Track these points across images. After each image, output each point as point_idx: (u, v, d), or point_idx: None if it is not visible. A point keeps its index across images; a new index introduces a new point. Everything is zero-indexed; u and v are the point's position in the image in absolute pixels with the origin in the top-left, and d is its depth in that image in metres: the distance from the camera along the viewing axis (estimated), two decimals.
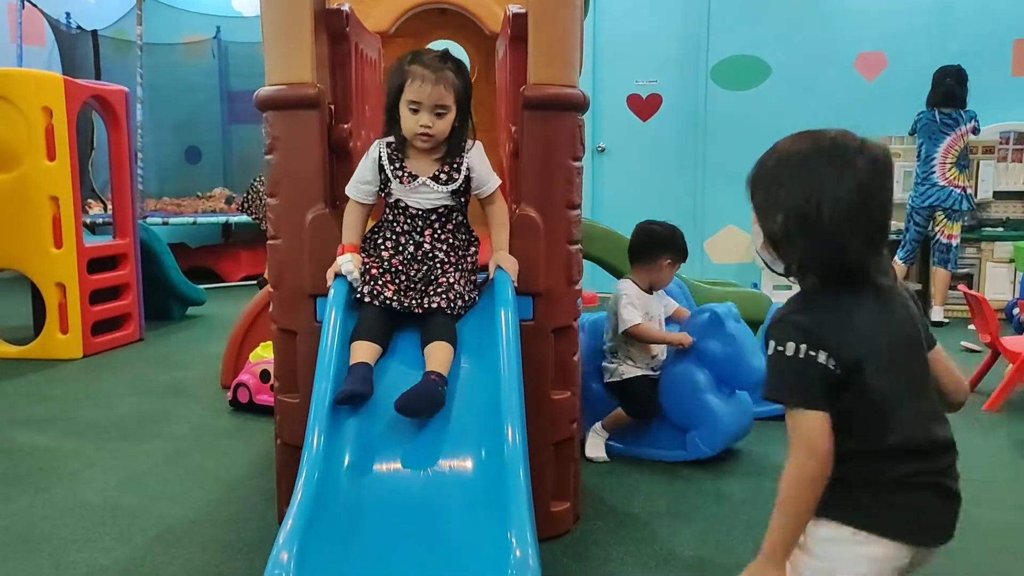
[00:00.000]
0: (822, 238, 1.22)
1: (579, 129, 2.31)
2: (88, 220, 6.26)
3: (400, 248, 2.09)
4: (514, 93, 2.33)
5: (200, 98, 8.00)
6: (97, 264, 4.72)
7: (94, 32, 7.21)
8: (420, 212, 2.08)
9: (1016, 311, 4.51)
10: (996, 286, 5.74)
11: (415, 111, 2.02)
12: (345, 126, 2.40)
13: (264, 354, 3.58)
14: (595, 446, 2.99)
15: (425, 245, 2.09)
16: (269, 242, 2.29)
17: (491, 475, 1.69)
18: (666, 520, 2.48)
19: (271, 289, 2.33)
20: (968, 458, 3.02)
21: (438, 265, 2.09)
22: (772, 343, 1.23)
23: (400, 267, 2.07)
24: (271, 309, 2.33)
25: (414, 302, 2.03)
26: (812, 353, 1.19)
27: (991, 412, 3.53)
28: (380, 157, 2.10)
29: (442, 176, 2.09)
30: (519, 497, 1.61)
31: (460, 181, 2.09)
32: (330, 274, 2.06)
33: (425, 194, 2.08)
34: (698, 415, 2.87)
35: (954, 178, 5.45)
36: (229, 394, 3.62)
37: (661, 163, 6.75)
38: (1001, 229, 5.87)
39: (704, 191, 6.60)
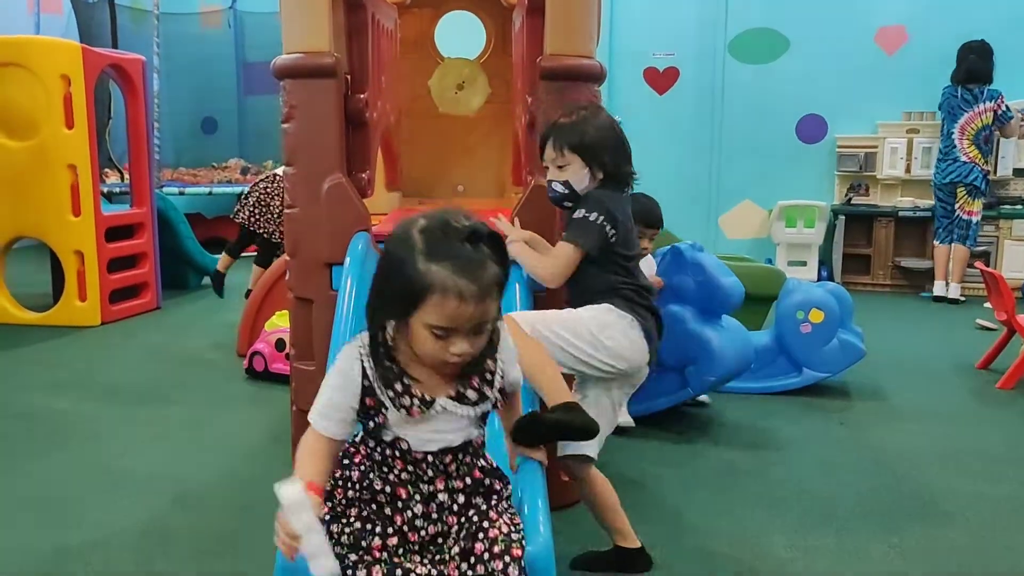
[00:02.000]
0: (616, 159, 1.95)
1: (596, 100, 2.30)
2: (105, 189, 6.29)
3: (402, 506, 1.35)
4: (530, 64, 2.32)
5: (216, 69, 8.01)
6: (115, 233, 4.76)
7: (111, 1, 7.20)
8: (428, 456, 1.33)
9: None
10: (1014, 264, 5.70)
11: (442, 336, 1.26)
12: (361, 96, 2.40)
13: (279, 323, 3.61)
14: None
15: (440, 497, 1.36)
16: (286, 211, 2.30)
17: (503, 440, 1.71)
18: (673, 487, 2.51)
19: (287, 257, 2.35)
20: (980, 435, 3.04)
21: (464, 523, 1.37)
22: (582, 211, 1.90)
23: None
24: (288, 277, 2.35)
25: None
26: (605, 223, 1.89)
27: (1005, 390, 3.53)
28: (364, 374, 1.32)
29: (469, 393, 1.35)
30: (532, 465, 1.62)
31: (494, 395, 1.38)
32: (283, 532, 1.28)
33: (442, 426, 1.34)
34: (690, 349, 2.91)
35: (975, 155, 5.40)
36: (245, 362, 3.66)
37: (677, 137, 6.71)
38: (1020, 207, 5.81)
39: (720, 166, 6.57)
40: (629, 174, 1.99)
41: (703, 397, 3.24)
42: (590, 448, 1.91)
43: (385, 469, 1.35)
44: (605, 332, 1.86)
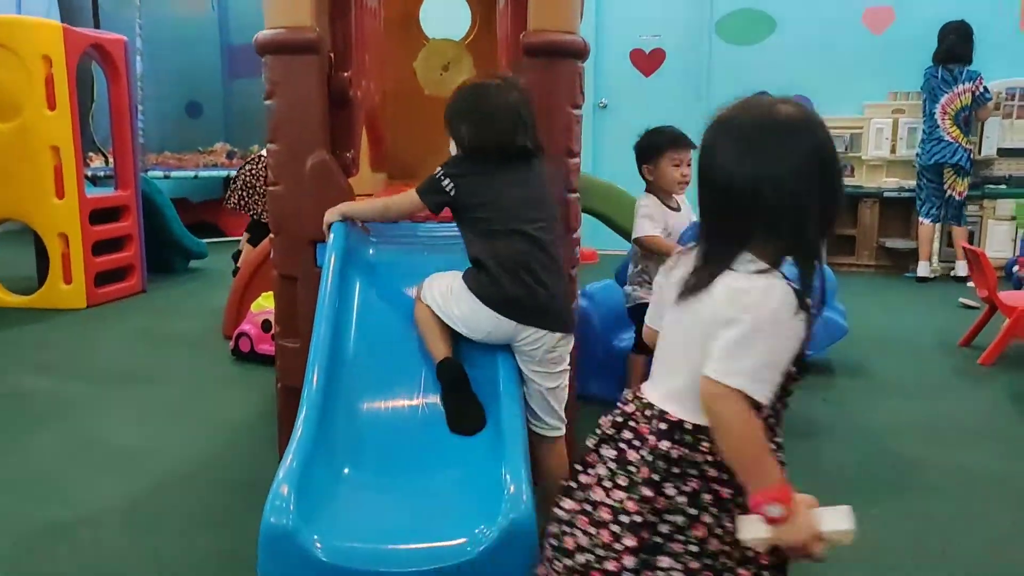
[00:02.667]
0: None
1: (579, 77, 2.30)
2: (90, 173, 6.25)
3: None
4: (514, 42, 2.32)
5: (200, 52, 7.94)
6: (99, 216, 4.73)
7: None
8: None
9: (1016, 268, 4.52)
10: (997, 243, 5.74)
11: None
12: (345, 74, 2.40)
13: (265, 304, 3.61)
14: None
15: None
16: (269, 188, 2.30)
17: (487, 412, 1.73)
18: None
19: (272, 236, 2.35)
20: (960, 409, 3.07)
21: None
22: (440, 170, 1.90)
23: None
24: (272, 255, 2.35)
25: None
26: (443, 178, 1.88)
27: (986, 366, 3.57)
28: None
29: None
30: (514, 435, 1.64)
31: None
32: None
33: None
34: None
35: (957, 135, 5.42)
36: (231, 344, 3.66)
37: (663, 119, 6.54)
38: (1004, 186, 5.85)
39: None
40: (496, 147, 1.86)
41: None
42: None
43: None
44: (450, 300, 1.83)
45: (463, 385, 1.78)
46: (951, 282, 5.55)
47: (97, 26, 6.84)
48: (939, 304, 4.93)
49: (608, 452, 1.25)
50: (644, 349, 2.89)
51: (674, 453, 1.17)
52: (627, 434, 1.24)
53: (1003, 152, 5.84)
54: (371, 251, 2.16)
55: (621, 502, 1.19)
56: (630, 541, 1.17)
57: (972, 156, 5.52)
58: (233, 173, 7.36)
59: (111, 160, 5.25)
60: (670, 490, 1.17)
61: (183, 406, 3.06)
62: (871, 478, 2.45)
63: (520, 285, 1.78)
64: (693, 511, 1.17)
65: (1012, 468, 2.54)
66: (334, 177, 2.21)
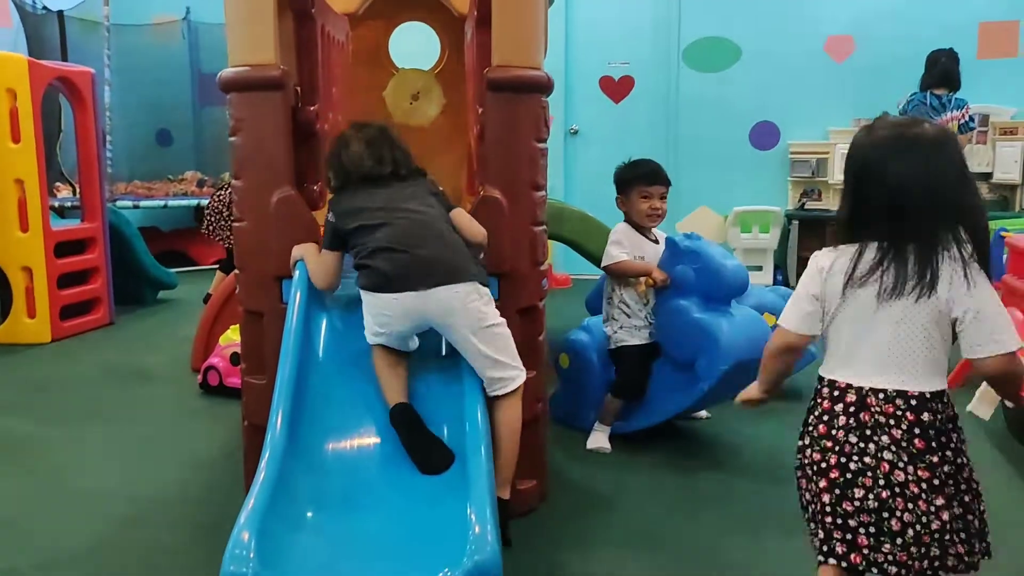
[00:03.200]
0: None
1: (543, 111, 2.32)
2: (56, 204, 6.18)
3: None
4: (480, 75, 2.34)
5: (171, 80, 7.89)
6: (66, 248, 4.68)
7: (60, 13, 7.08)
8: None
9: None
10: None
11: None
12: (312, 108, 2.40)
13: (234, 337, 3.57)
14: (595, 438, 2.91)
15: None
16: (235, 224, 2.29)
17: (453, 450, 1.72)
18: (633, 497, 2.52)
19: (237, 271, 2.34)
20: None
21: None
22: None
23: None
24: (238, 291, 2.34)
25: None
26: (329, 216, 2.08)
27: (951, 389, 3.60)
28: None
29: None
30: (480, 474, 1.64)
31: None
32: None
33: None
34: (698, 340, 2.75)
35: None
36: (199, 377, 3.62)
37: (634, 145, 6.69)
38: None
39: (676, 173, 6.56)
40: (358, 178, 2.11)
41: (701, 412, 3.17)
42: None
43: None
44: (367, 322, 1.97)
45: (417, 427, 1.79)
46: None
47: (65, 57, 6.81)
48: None
49: (880, 442, 1.46)
50: (624, 395, 2.86)
51: (926, 418, 1.45)
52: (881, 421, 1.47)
53: (977, 177, 5.94)
54: (338, 287, 2.16)
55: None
56: (939, 500, 1.44)
57: (980, 217, 5.57)
58: (204, 201, 7.35)
59: (79, 190, 5.20)
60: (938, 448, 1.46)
61: (148, 443, 3.01)
62: None
63: (398, 258, 1.93)
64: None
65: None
66: (300, 212, 2.21)
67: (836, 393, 1.51)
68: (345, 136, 2.20)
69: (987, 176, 5.98)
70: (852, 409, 1.48)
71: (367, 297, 1.95)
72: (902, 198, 1.45)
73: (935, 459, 1.44)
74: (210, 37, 7.68)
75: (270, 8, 2.15)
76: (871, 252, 1.47)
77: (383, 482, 1.69)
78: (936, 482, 1.44)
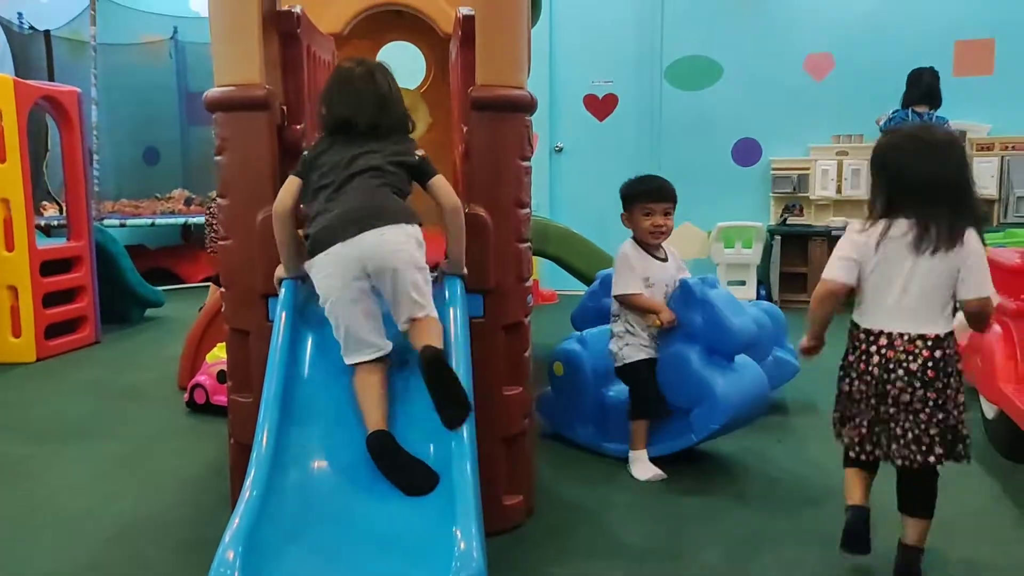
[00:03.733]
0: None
1: (527, 129, 2.35)
2: (43, 222, 6.17)
3: None
4: (465, 94, 2.37)
5: (158, 99, 7.91)
6: (52, 266, 4.67)
7: (46, 32, 7.10)
8: None
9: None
10: None
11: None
12: (298, 127, 2.42)
13: (221, 355, 3.57)
14: (641, 469, 2.79)
15: None
16: (220, 243, 2.30)
17: (439, 469, 1.73)
18: (619, 512, 2.54)
19: (223, 289, 2.35)
20: None
21: None
22: None
23: None
24: (223, 309, 2.35)
25: None
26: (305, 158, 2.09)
27: None
28: None
29: None
30: (465, 491, 1.65)
31: None
32: None
33: None
34: (695, 392, 2.72)
35: None
36: (186, 395, 3.62)
37: (618, 162, 6.81)
38: None
39: None
40: (342, 124, 2.08)
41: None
42: None
43: None
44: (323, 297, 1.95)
45: (395, 453, 1.78)
46: None
47: (51, 77, 6.81)
48: None
49: (897, 373, 1.96)
50: (645, 414, 2.81)
51: (938, 354, 1.94)
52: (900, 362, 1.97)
53: None
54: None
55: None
56: (940, 415, 1.96)
57: (979, 205, 5.64)
58: (193, 219, 7.36)
59: (65, 209, 5.20)
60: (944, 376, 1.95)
61: (134, 463, 3.01)
62: (823, 522, 2.48)
63: (326, 218, 1.94)
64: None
65: (957, 505, 2.59)
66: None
67: (872, 338, 2.01)
68: (346, 73, 2.14)
69: None
70: (883, 350, 1.98)
71: (313, 269, 1.94)
72: (926, 186, 1.94)
73: (940, 385, 1.94)
74: (197, 56, 7.71)
75: (255, 28, 2.18)
76: (901, 224, 1.95)
77: (369, 500, 1.70)
78: (940, 401, 1.94)
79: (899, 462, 2.00)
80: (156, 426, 3.43)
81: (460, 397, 1.81)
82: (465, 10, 2.47)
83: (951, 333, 1.97)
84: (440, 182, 2.07)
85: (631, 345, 2.86)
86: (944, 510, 2.51)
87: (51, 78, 6.82)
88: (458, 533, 1.52)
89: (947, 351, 1.95)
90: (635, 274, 2.81)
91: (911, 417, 1.96)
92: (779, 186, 6.41)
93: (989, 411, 3.04)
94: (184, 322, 4.93)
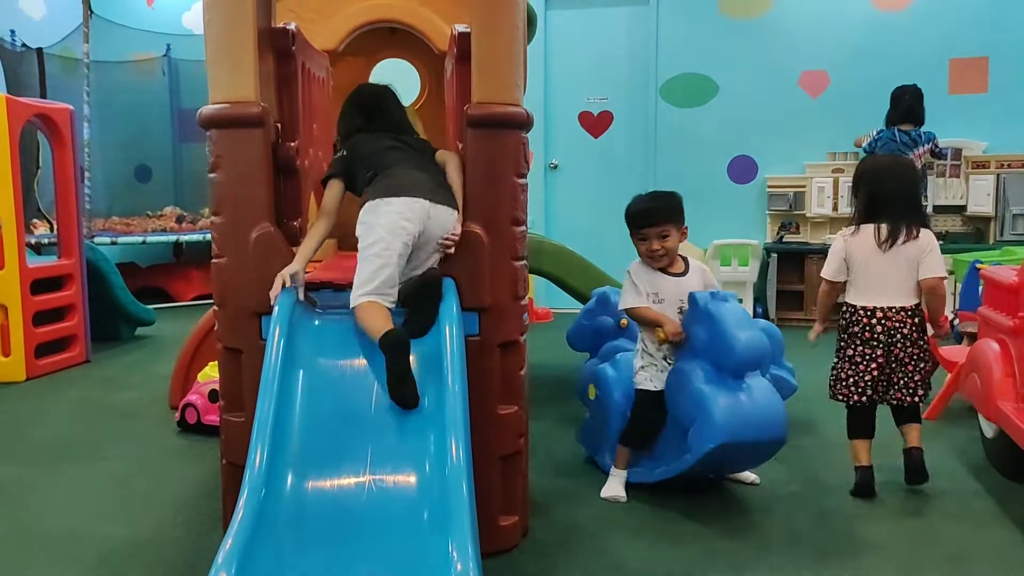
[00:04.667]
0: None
1: (523, 146, 2.34)
2: (34, 240, 6.13)
3: None
4: (460, 111, 2.36)
5: (150, 116, 7.90)
6: (42, 285, 4.63)
7: (39, 50, 7.08)
8: None
9: (955, 322, 4.63)
10: None
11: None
12: (292, 144, 2.41)
13: (213, 374, 3.54)
14: (610, 486, 2.79)
15: None
16: (213, 261, 2.28)
17: (434, 490, 1.71)
18: (615, 532, 2.51)
19: (216, 307, 2.32)
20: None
21: None
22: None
23: None
24: (216, 327, 2.32)
25: None
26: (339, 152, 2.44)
27: (930, 421, 3.63)
28: None
29: None
30: (461, 512, 1.62)
31: None
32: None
33: None
34: (691, 409, 2.59)
35: None
36: (177, 415, 3.58)
37: (613, 179, 6.84)
38: (941, 242, 6.00)
39: None
40: (356, 128, 2.49)
41: (751, 476, 2.89)
42: None
43: None
44: (374, 228, 2.18)
45: (404, 355, 1.93)
46: None
47: (44, 94, 6.80)
48: None
49: (896, 337, 2.71)
50: (629, 442, 2.75)
51: (917, 320, 2.71)
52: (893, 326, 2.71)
53: (938, 209, 6.05)
54: (317, 323, 2.15)
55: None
56: (923, 364, 2.75)
57: (926, 213, 5.68)
58: (183, 237, 7.33)
59: (56, 227, 5.17)
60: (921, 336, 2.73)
61: (123, 484, 2.96)
62: (819, 539, 2.46)
63: (414, 174, 2.26)
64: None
65: (957, 526, 2.57)
66: (279, 249, 2.20)
67: (870, 313, 2.70)
68: (358, 91, 2.61)
69: (961, 209, 6.08)
70: (884, 321, 2.69)
71: (382, 207, 2.17)
72: (892, 199, 2.71)
73: (921, 343, 2.71)
74: (190, 73, 7.71)
75: (250, 46, 2.16)
76: (880, 227, 2.69)
77: (364, 520, 1.67)
78: (920, 354, 2.71)
79: (895, 402, 2.76)
80: (147, 446, 3.39)
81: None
82: (461, 27, 2.46)
83: (919, 304, 2.72)
84: (443, 152, 2.48)
85: (646, 370, 2.78)
86: (944, 530, 2.51)
87: (43, 95, 6.80)
88: (454, 554, 1.50)
89: (920, 317, 2.71)
90: (638, 289, 2.76)
91: (906, 369, 2.71)
92: (775, 204, 6.41)
93: (988, 430, 3.01)
94: (175, 341, 4.89)
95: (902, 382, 2.71)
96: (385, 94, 2.57)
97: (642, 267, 2.81)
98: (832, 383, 2.80)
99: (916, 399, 2.73)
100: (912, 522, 2.59)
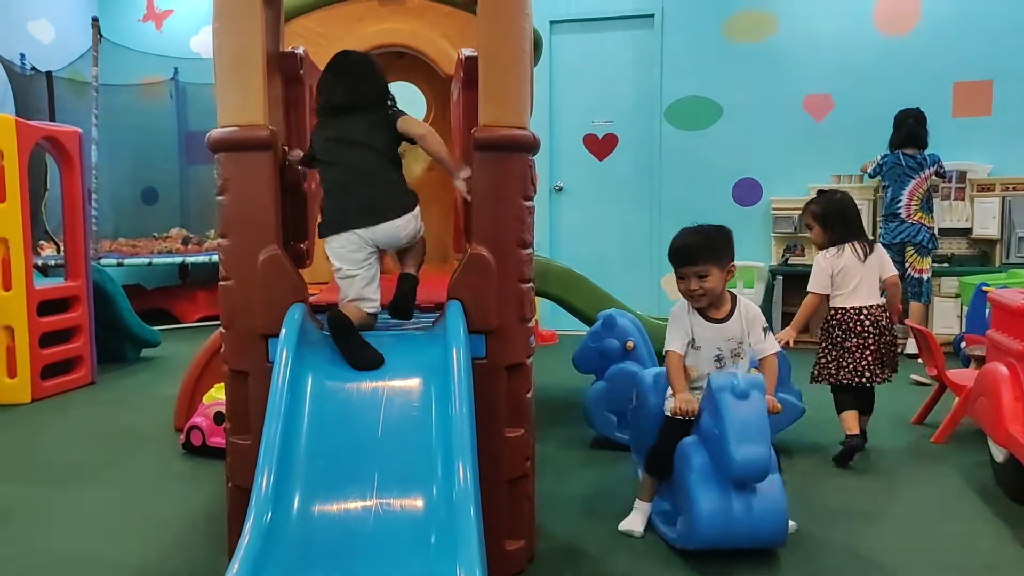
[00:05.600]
0: None
1: (530, 169, 2.34)
2: (40, 262, 6.16)
3: None
4: (467, 134, 2.36)
5: (157, 138, 7.96)
6: (49, 306, 4.64)
7: (48, 73, 7.15)
8: None
9: (963, 345, 4.62)
10: (943, 320, 5.89)
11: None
12: (299, 167, 2.42)
13: (218, 396, 3.54)
14: (629, 520, 2.67)
15: None
16: (220, 283, 2.28)
17: (442, 514, 1.69)
18: (623, 557, 2.48)
19: (223, 329, 2.32)
20: (916, 491, 3.08)
21: None
22: None
23: None
24: (223, 350, 2.32)
25: None
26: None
27: (938, 444, 3.61)
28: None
29: None
30: (469, 537, 1.61)
31: None
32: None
33: None
34: (683, 499, 2.44)
35: (920, 218, 5.60)
36: (182, 437, 3.57)
37: (617, 201, 6.86)
38: (947, 265, 6.03)
39: (659, 228, 6.71)
40: (324, 107, 2.34)
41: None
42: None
43: None
44: (335, 263, 2.30)
45: (346, 328, 2.09)
46: (903, 358, 5.65)
47: (52, 117, 6.85)
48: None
49: (877, 330, 3.38)
50: (651, 470, 2.66)
51: (886, 313, 3.41)
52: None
53: (944, 232, 6.05)
54: (323, 345, 2.14)
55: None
56: (895, 349, 3.49)
57: (935, 235, 5.69)
58: (189, 259, 7.36)
59: (63, 248, 5.19)
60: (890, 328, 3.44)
61: (128, 507, 2.95)
62: (827, 566, 2.43)
63: (349, 200, 2.26)
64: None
65: (967, 551, 2.55)
66: (286, 271, 2.21)
67: (856, 311, 3.36)
68: (330, 62, 2.38)
69: (967, 232, 6.08)
70: (870, 316, 3.36)
71: (331, 243, 2.27)
72: (858, 223, 3.50)
73: (891, 330, 3.41)
74: (197, 96, 7.78)
75: (258, 70, 2.18)
76: (850, 248, 3.40)
77: (371, 544, 1.65)
78: (891, 341, 3.41)
79: (879, 381, 3.39)
80: (152, 469, 3.38)
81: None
82: (468, 51, 2.48)
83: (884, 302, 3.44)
84: (407, 120, 2.33)
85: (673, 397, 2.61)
86: (953, 555, 2.49)
87: (52, 118, 6.86)
88: None
89: (887, 311, 3.42)
90: (676, 335, 2.57)
91: (887, 352, 3.39)
92: (780, 226, 6.41)
93: (998, 454, 2.99)
94: (181, 362, 4.90)
95: (884, 360, 3.38)
96: (343, 65, 2.35)
97: (683, 309, 2.61)
98: (819, 371, 3.46)
99: (890, 378, 3.43)
100: (922, 547, 2.57)
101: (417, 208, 2.34)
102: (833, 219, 3.43)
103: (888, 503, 2.92)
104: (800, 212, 6.31)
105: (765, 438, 2.31)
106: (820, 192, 3.68)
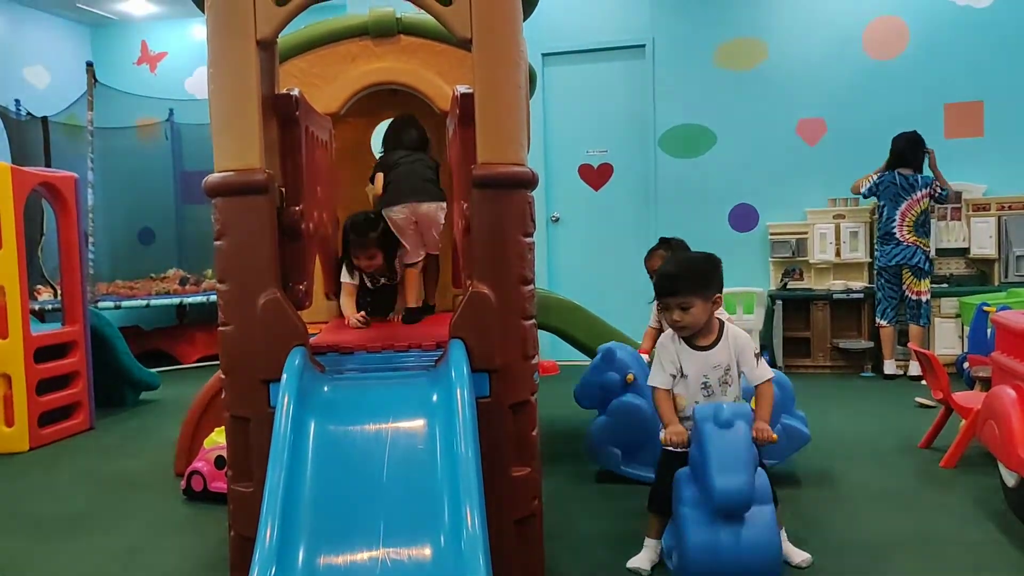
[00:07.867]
0: None
1: (529, 206, 2.33)
2: (37, 307, 6.13)
3: None
4: (464, 171, 2.36)
5: (153, 179, 7.97)
6: (46, 352, 4.61)
7: (44, 119, 7.18)
8: None
9: (966, 365, 4.59)
10: (945, 341, 5.87)
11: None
12: (297, 208, 2.41)
13: (219, 439, 3.49)
14: (638, 558, 2.63)
15: None
16: (220, 328, 2.26)
17: (450, 563, 1.66)
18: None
19: (223, 375, 2.29)
20: (925, 517, 3.04)
21: None
22: None
23: None
24: (223, 395, 2.29)
25: None
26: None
27: (947, 468, 3.57)
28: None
29: None
30: (475, 554, 1.58)
31: None
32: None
33: None
34: (677, 530, 2.37)
35: (915, 240, 5.62)
36: (183, 482, 3.52)
37: (614, 231, 6.85)
38: (946, 285, 6.02)
39: None
40: (391, 148, 3.35)
41: (801, 557, 2.61)
42: None
43: None
44: None
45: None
46: (907, 381, 5.63)
47: (48, 162, 6.86)
48: (897, 403, 4.97)
49: None
50: (650, 504, 2.63)
51: None
52: None
53: (942, 252, 6.05)
54: (326, 389, 2.12)
55: None
56: None
57: (930, 257, 5.71)
58: (187, 299, 7.33)
59: (60, 293, 5.17)
60: None
61: (129, 559, 2.90)
62: None
63: (400, 183, 3.12)
64: None
65: (983, 573, 2.51)
66: (286, 314, 2.19)
67: None
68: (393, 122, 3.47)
69: (964, 251, 6.08)
70: None
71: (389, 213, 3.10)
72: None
73: None
74: (192, 136, 7.81)
75: (254, 114, 2.18)
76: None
77: None
78: None
79: None
80: (152, 517, 3.33)
81: None
82: (463, 88, 2.48)
83: None
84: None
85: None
86: None
87: (48, 163, 6.86)
88: None
89: None
90: (663, 367, 2.53)
91: None
92: (778, 251, 6.41)
93: (1009, 479, 2.95)
94: (180, 404, 4.84)
95: None
96: (400, 124, 3.43)
97: (670, 340, 2.57)
98: None
99: None
100: (933, 572, 2.52)
101: (444, 203, 3.13)
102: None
103: (900, 533, 2.88)
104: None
105: (748, 468, 2.23)
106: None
